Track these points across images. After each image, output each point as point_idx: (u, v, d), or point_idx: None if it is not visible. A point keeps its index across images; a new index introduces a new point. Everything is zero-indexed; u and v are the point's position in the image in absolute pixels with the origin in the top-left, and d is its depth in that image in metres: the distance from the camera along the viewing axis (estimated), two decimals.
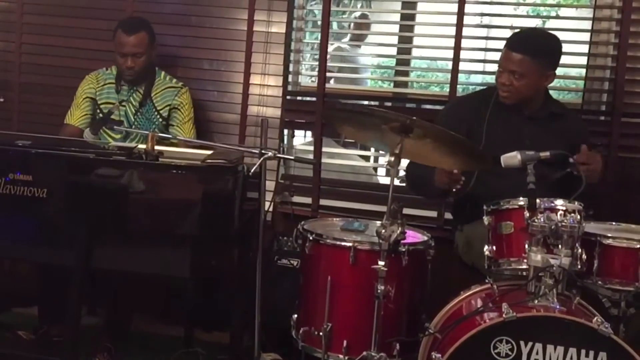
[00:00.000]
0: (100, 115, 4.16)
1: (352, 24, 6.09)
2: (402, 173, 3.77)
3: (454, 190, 3.31)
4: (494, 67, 4.14)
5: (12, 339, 3.71)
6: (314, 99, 4.51)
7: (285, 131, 4.65)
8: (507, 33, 3.69)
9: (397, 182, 2.85)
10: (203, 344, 3.71)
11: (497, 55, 3.64)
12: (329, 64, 4.54)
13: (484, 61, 4.42)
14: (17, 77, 4.81)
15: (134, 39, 4.06)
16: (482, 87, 4.07)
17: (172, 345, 3.73)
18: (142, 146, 3.40)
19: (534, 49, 3.45)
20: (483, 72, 4.65)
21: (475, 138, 3.43)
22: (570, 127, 3.61)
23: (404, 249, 2.95)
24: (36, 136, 3.58)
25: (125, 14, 4.55)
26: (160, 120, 4.17)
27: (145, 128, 4.09)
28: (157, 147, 3.36)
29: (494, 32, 4.45)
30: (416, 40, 4.76)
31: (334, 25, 5.14)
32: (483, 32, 4.57)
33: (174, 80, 4.25)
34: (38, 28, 4.80)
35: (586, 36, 4.19)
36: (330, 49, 4.66)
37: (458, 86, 4.29)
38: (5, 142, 3.43)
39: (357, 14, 6.62)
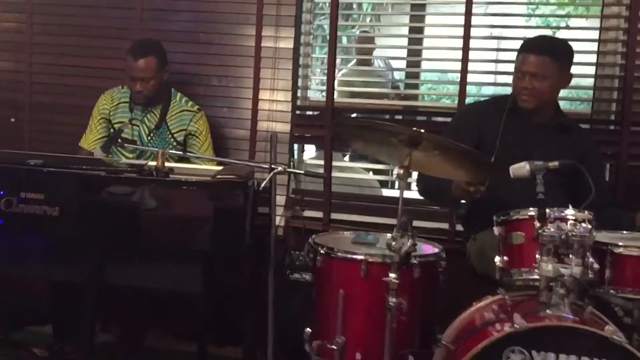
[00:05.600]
0: (112, 132, 4.16)
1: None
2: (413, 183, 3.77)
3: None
4: (505, 79, 4.16)
5: (27, 356, 3.73)
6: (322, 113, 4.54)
7: (295, 146, 4.67)
8: (518, 45, 3.68)
9: (406, 194, 2.84)
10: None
11: (508, 67, 3.64)
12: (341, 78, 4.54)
13: (495, 73, 4.42)
14: (28, 97, 4.84)
15: (142, 63, 4.03)
16: (494, 96, 4.07)
17: None
18: (152, 163, 3.42)
19: (552, 49, 3.52)
20: (494, 84, 4.65)
21: (489, 147, 3.45)
22: (579, 140, 3.63)
23: (415, 261, 2.94)
24: (48, 155, 3.61)
25: (133, 32, 4.59)
26: (175, 144, 4.14)
27: None
28: (167, 164, 3.37)
29: (504, 44, 4.45)
30: (425, 53, 4.76)
31: (343, 40, 5.16)
32: (493, 43, 4.56)
33: (190, 103, 4.22)
34: (48, 48, 4.84)
35: (594, 46, 4.19)
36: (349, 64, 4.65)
37: (468, 98, 4.29)
38: (17, 161, 3.45)
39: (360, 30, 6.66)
